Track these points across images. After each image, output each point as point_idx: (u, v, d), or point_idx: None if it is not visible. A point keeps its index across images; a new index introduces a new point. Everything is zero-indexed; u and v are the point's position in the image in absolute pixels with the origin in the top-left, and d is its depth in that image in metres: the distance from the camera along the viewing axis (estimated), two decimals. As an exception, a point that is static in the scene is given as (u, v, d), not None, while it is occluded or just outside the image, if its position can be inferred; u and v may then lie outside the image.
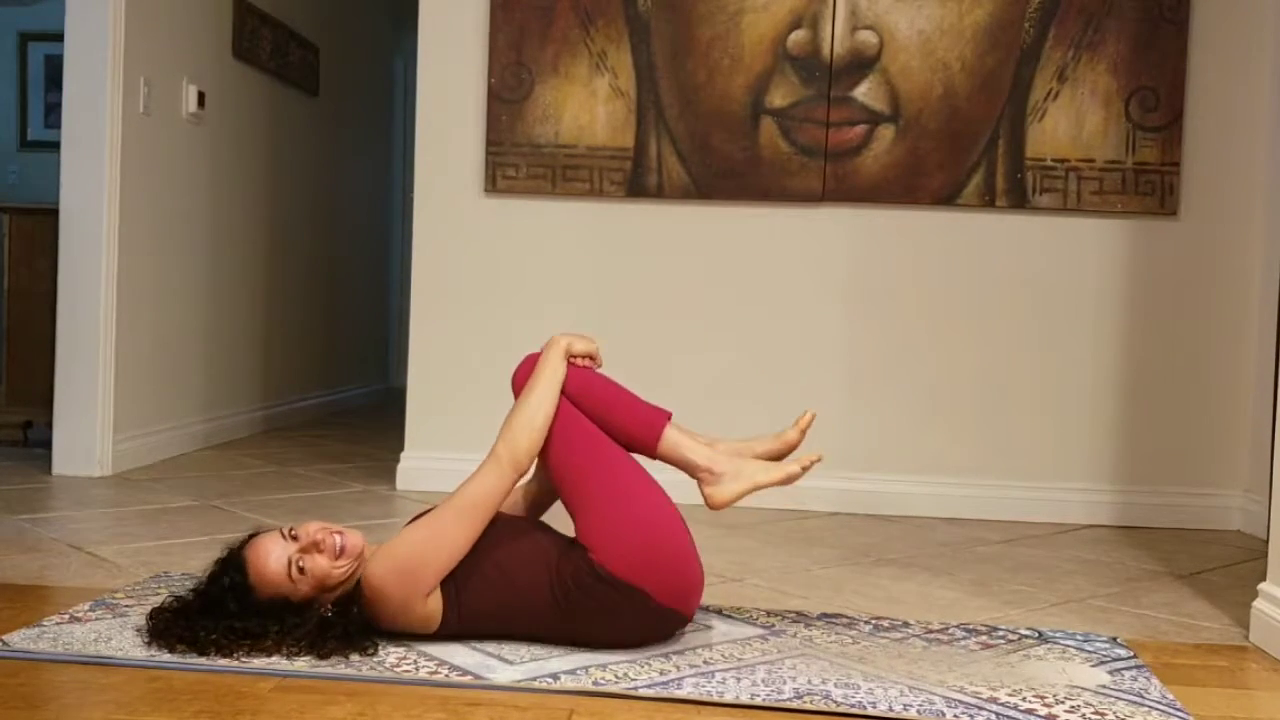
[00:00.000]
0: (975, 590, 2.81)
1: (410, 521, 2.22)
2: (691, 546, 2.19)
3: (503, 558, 2.12)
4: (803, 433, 2.30)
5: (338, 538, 2.07)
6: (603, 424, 2.23)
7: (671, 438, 2.25)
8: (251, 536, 2.12)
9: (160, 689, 1.92)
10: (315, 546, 2.05)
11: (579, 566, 2.09)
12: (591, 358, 2.30)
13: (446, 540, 2.08)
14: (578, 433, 2.20)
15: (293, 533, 2.08)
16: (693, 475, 2.26)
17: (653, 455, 2.27)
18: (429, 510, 2.22)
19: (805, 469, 2.23)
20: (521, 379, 2.28)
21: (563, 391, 2.22)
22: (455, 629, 2.13)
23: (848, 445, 3.82)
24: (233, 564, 2.07)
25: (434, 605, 2.09)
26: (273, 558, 2.05)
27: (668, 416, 2.27)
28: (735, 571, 2.90)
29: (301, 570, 2.04)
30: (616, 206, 3.88)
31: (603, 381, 2.28)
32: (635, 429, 2.24)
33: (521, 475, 2.15)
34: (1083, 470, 3.81)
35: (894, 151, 3.78)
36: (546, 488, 2.37)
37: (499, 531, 2.16)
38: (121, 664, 2.02)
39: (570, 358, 2.26)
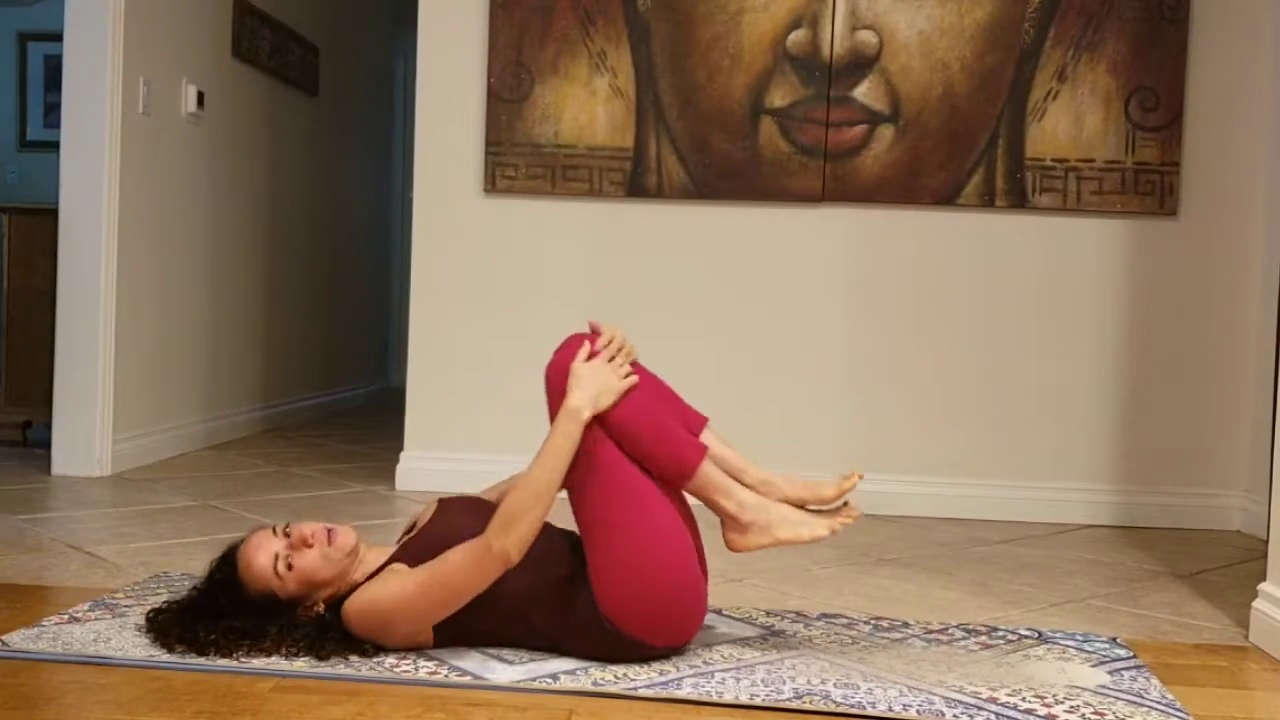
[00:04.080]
0: (975, 590, 2.81)
1: (404, 535, 2.20)
2: (702, 589, 2.12)
3: (506, 586, 2.07)
4: (842, 494, 2.13)
5: (328, 531, 2.08)
6: (633, 455, 2.09)
7: (701, 479, 2.10)
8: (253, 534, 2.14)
9: (160, 689, 1.92)
10: (304, 542, 2.06)
11: (584, 613, 2.05)
12: (631, 369, 2.11)
13: (417, 612, 2.04)
14: (601, 460, 2.06)
15: (286, 530, 2.09)
16: (722, 517, 2.15)
17: (678, 488, 2.13)
18: (427, 525, 2.18)
19: (834, 532, 2.10)
20: (556, 377, 2.09)
21: (597, 421, 2.06)
22: (448, 644, 2.12)
23: (848, 445, 3.82)
24: (227, 560, 2.10)
25: (420, 638, 2.09)
26: (261, 553, 2.05)
27: (701, 454, 2.10)
28: (735, 571, 2.90)
29: (289, 567, 2.04)
30: (616, 206, 3.88)
31: (640, 411, 2.09)
32: (666, 466, 2.09)
33: (508, 568, 2.01)
34: (1083, 470, 3.81)
35: (894, 151, 3.78)
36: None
37: None
38: (121, 664, 2.02)
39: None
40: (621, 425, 2.08)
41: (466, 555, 2.01)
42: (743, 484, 2.14)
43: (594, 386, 2.07)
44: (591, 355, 2.12)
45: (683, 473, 2.09)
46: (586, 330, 2.20)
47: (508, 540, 1.99)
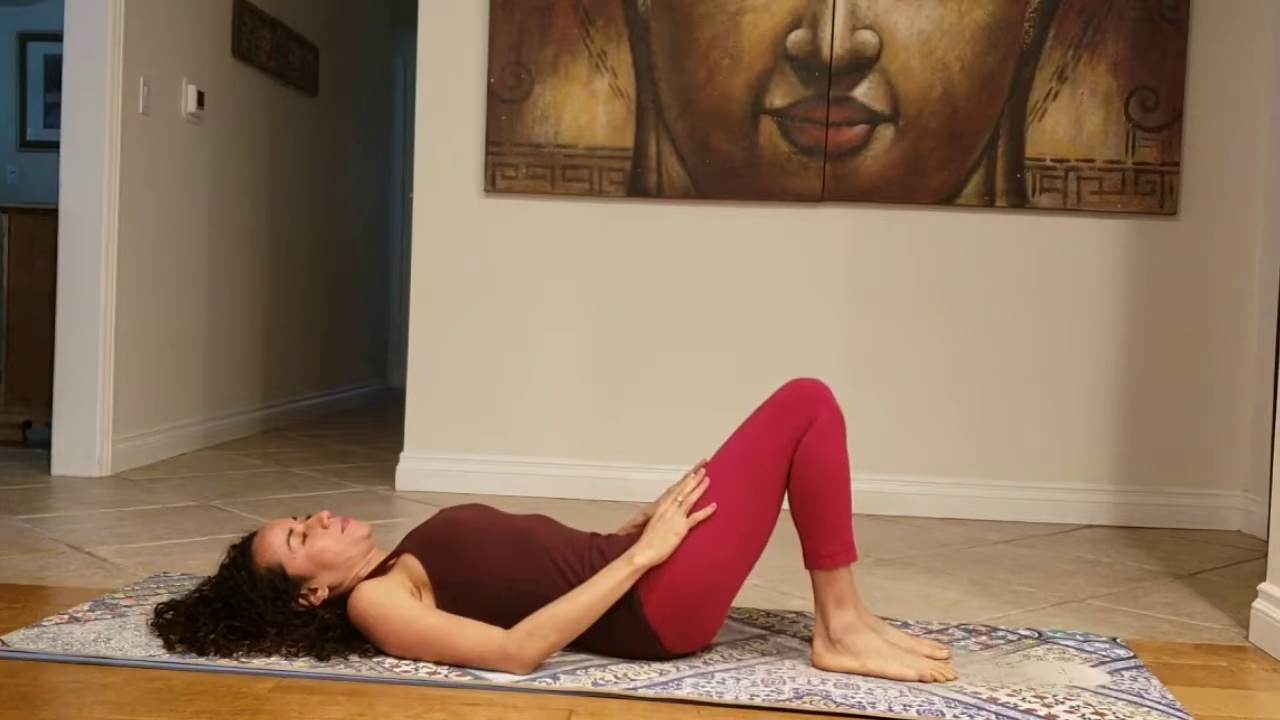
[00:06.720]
0: (975, 590, 2.81)
1: (410, 536, 2.19)
2: (728, 605, 2.14)
3: (505, 577, 2.09)
4: (935, 649, 2.18)
5: (343, 521, 2.16)
6: (796, 500, 2.11)
7: (830, 580, 2.11)
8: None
9: (159, 689, 1.92)
10: (320, 524, 2.14)
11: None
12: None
13: (406, 646, 2.04)
14: (766, 473, 2.10)
15: (306, 517, 2.19)
16: (819, 622, 2.14)
17: (807, 568, 2.15)
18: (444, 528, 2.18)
19: (920, 678, 2.05)
20: (795, 396, 2.14)
21: (805, 454, 2.08)
22: None
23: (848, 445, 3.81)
24: (246, 540, 2.17)
25: (406, 657, 2.08)
26: (277, 529, 2.15)
27: (850, 560, 2.12)
28: (735, 571, 2.89)
29: (302, 542, 2.11)
30: (616, 206, 3.88)
31: (834, 479, 2.11)
32: (816, 539, 2.11)
33: (511, 672, 2.00)
34: (1083, 470, 3.81)
35: (894, 151, 3.78)
36: None
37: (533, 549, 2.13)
38: (121, 664, 2.02)
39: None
40: (814, 475, 2.10)
41: (482, 636, 2.02)
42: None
43: (661, 540, 2.07)
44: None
45: (821, 564, 2.11)
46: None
47: (528, 648, 2.00)
